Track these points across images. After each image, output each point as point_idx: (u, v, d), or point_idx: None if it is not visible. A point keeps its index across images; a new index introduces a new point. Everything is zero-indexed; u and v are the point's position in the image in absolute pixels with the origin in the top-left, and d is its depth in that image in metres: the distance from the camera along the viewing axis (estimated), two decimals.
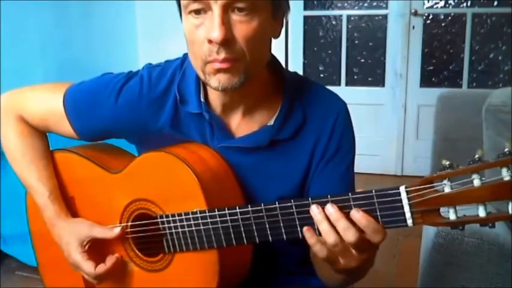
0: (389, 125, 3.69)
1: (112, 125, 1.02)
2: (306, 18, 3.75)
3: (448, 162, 0.69)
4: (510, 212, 0.65)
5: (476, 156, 0.67)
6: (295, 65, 3.79)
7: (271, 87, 0.98)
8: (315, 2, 3.74)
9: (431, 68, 3.61)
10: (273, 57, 0.99)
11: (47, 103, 1.06)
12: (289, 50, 3.76)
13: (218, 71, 0.85)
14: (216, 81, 0.86)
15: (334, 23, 3.74)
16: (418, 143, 3.61)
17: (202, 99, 0.95)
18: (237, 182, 0.96)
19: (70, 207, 1.06)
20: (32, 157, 1.06)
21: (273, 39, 0.93)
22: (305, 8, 3.73)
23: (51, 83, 1.09)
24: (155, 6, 3.61)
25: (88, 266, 0.98)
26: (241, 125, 0.97)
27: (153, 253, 0.98)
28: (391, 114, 3.68)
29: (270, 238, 0.82)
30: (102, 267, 0.98)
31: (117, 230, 0.97)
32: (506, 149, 0.65)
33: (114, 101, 1.00)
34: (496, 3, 3.40)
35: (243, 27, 0.84)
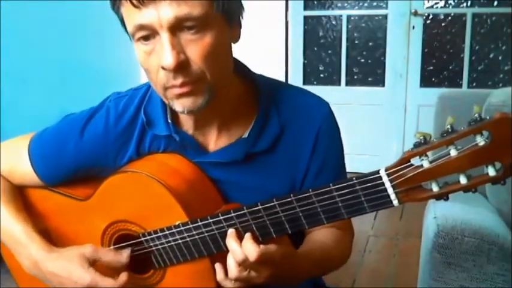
0: (389, 125, 3.68)
1: (79, 163, 0.98)
2: (306, 18, 3.75)
3: (422, 137, 0.68)
4: (490, 174, 0.66)
5: (448, 126, 0.67)
6: (295, 65, 3.79)
7: (245, 96, 0.92)
8: (315, 2, 3.74)
9: (431, 68, 3.60)
10: (237, 62, 0.93)
11: (11, 157, 1.02)
12: (289, 50, 3.76)
13: (180, 95, 0.81)
14: (179, 106, 0.82)
15: (334, 23, 3.74)
16: None
17: (169, 121, 0.92)
18: (213, 187, 0.93)
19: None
20: (7, 199, 1.00)
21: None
22: (305, 8, 3.73)
23: (18, 137, 1.05)
24: None
25: (110, 281, 0.89)
26: (218, 139, 0.93)
27: (143, 270, 0.96)
28: (391, 114, 3.67)
29: (260, 238, 0.80)
30: (123, 276, 0.89)
31: (126, 254, 0.90)
32: (475, 115, 0.65)
33: (80, 138, 0.96)
34: (496, 3, 3.40)
35: (196, 46, 0.78)
